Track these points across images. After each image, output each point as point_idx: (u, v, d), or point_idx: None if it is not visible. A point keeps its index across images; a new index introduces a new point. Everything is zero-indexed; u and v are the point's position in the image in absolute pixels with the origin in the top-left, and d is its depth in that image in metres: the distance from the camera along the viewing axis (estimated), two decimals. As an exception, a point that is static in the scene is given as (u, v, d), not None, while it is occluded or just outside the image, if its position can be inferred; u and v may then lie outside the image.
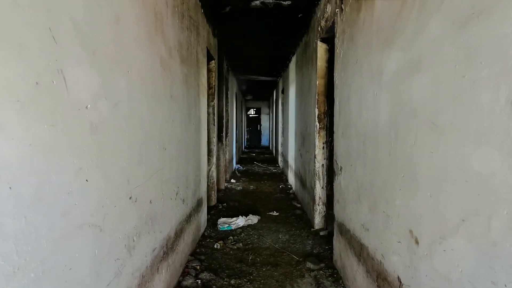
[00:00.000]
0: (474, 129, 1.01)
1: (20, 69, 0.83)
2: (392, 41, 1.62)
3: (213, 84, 4.48)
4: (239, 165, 9.22)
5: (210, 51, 4.01)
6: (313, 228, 3.72)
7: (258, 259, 2.89)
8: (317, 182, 3.63)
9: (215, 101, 4.56)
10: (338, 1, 2.65)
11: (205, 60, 3.65)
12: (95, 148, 1.21)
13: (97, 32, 1.22)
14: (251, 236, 3.48)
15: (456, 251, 1.09)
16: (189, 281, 2.44)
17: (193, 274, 2.55)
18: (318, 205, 3.66)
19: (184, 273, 2.55)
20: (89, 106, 1.17)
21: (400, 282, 1.50)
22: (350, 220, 2.32)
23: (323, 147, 3.59)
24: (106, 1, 1.30)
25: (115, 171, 1.38)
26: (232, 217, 3.99)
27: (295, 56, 5.66)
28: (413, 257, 1.38)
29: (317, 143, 3.60)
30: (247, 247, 3.17)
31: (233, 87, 8.02)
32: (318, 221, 3.69)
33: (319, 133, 3.59)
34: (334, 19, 2.81)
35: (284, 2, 3.58)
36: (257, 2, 3.62)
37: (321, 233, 3.53)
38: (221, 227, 3.69)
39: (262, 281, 2.49)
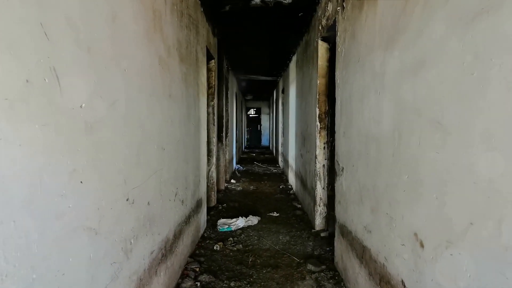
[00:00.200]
0: (483, 128, 0.97)
1: (8, 65, 0.80)
2: (395, 39, 1.58)
3: (213, 83, 4.44)
4: (239, 165, 9.19)
5: (209, 50, 3.98)
6: (314, 229, 3.68)
7: (258, 261, 2.85)
8: (318, 182, 3.59)
9: (215, 100, 4.52)
10: (339, -1, 2.62)
11: (204, 59, 3.62)
12: (91, 148, 1.18)
13: (92, 29, 1.18)
14: (251, 237, 3.45)
15: (464, 255, 1.05)
16: (188, 283, 2.40)
17: (192, 276, 2.51)
18: (319, 206, 3.62)
19: (183, 275, 2.51)
20: (83, 105, 1.13)
21: (404, 286, 1.46)
22: (352, 221, 2.28)
23: (324, 147, 3.55)
24: (102, -3, 1.26)
25: (111, 172, 1.35)
26: (232, 218, 3.95)
27: (295, 55, 5.63)
28: (417, 261, 1.35)
29: (318, 143, 3.57)
30: (247, 248, 3.14)
31: (233, 87, 7.99)
32: (319, 222, 3.65)
33: (320, 133, 3.55)
34: (335, 18, 2.77)
35: (285, 1, 3.54)
36: (257, 1, 3.58)
37: (322, 234, 3.49)
38: (220, 228, 3.66)
39: (262, 283, 2.45)
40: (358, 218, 2.14)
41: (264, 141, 17.93)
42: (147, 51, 1.78)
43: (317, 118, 3.55)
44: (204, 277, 2.49)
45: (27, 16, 0.85)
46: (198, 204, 3.30)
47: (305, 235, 3.53)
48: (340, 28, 2.62)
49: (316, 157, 3.60)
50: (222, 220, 3.85)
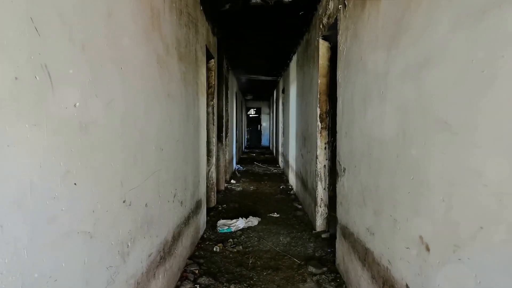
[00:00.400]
0: (493, 128, 0.93)
1: (-5, 62, 0.75)
2: (399, 37, 1.54)
3: (213, 83, 4.40)
4: (239, 166, 9.15)
5: (209, 49, 3.93)
6: (315, 230, 3.63)
7: (259, 263, 2.81)
8: (319, 183, 3.55)
9: (215, 100, 4.48)
10: (341, -3, 2.58)
11: (204, 58, 3.58)
12: (85, 149, 1.14)
13: (86, 26, 1.14)
14: (251, 238, 3.40)
15: (473, 260, 1.01)
16: (187, 286, 2.36)
17: (192, 279, 2.47)
18: (320, 206, 3.58)
19: (182, 278, 2.47)
20: (78, 104, 1.09)
21: (409, 290, 1.42)
22: (354, 223, 2.24)
23: (325, 148, 3.51)
24: (97, -8, 1.22)
25: (107, 173, 1.30)
26: (232, 218, 3.91)
27: (296, 55, 5.58)
28: (423, 265, 1.30)
29: (318, 143, 3.52)
30: (247, 250, 3.09)
31: (233, 87, 7.95)
32: (319, 223, 3.61)
33: (321, 133, 3.51)
34: (336, 16, 2.73)
35: (285, 0, 3.50)
36: (258, 0, 3.54)
37: (323, 236, 3.45)
38: (220, 229, 3.61)
39: (262, 286, 2.41)
40: (360, 219, 2.10)
41: (264, 141, 17.89)
42: (145, 49, 1.74)
43: (318, 118, 3.51)
44: (204, 280, 2.45)
45: (15, 10, 0.81)
46: (198, 205, 3.26)
47: (306, 236, 3.49)
48: (341, 27, 2.58)
49: (317, 157, 3.56)
50: (222, 221, 3.81)
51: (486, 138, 0.95)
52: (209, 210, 4.25)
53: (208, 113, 4.29)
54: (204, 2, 3.46)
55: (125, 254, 1.48)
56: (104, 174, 1.28)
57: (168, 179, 2.18)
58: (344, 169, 2.47)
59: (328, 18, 3.06)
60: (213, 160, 4.54)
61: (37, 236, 0.89)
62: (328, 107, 3.48)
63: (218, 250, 3.05)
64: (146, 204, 1.75)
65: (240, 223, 3.74)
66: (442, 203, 1.18)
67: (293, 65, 5.97)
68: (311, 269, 2.65)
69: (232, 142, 7.79)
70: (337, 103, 2.66)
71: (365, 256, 2.01)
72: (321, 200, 3.57)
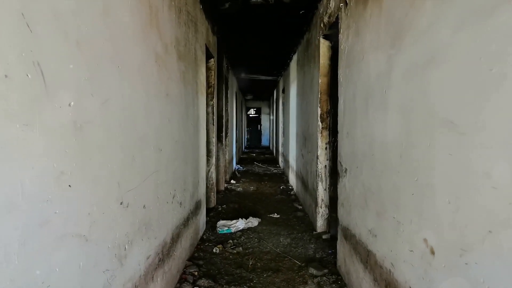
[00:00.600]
0: (503, 128, 0.89)
1: (-17, 59, 0.72)
2: (403, 35, 1.50)
3: (213, 83, 4.36)
4: (239, 166, 9.11)
5: (209, 48, 3.90)
6: (315, 231, 3.60)
7: (259, 264, 2.78)
8: (320, 183, 3.51)
9: (215, 100, 4.45)
10: (342, -5, 2.54)
11: (203, 57, 3.54)
12: (80, 149, 1.10)
13: (82, 22, 1.11)
14: (251, 239, 3.37)
15: (481, 265, 0.97)
16: (186, 288, 2.32)
17: (191, 281, 2.44)
18: (321, 207, 3.55)
19: (182, 280, 2.44)
20: (72, 103, 1.05)
21: (413, 294, 1.38)
22: (355, 224, 2.20)
23: (326, 148, 3.48)
24: (92, -12, 1.18)
25: (103, 174, 1.27)
26: (231, 219, 3.87)
27: (296, 54, 5.55)
28: (428, 269, 1.27)
29: (319, 143, 3.49)
30: (247, 251, 3.06)
31: (233, 87, 7.91)
32: (320, 224, 3.58)
33: (321, 133, 3.47)
34: (338, 14, 2.70)
35: (286, -2, 3.47)
36: (258, -2, 3.50)
37: (324, 237, 3.41)
38: (220, 230, 3.58)
39: (263, 288, 2.38)
40: (362, 221, 2.06)
41: (264, 141, 17.85)
42: (143, 48, 1.70)
43: (318, 117, 3.47)
44: (203, 282, 2.42)
45: (4, 4, 0.78)
46: (197, 206, 3.22)
47: (306, 237, 3.45)
48: (343, 25, 2.54)
49: (317, 158, 3.52)
50: (221, 222, 3.78)
51: (495, 139, 0.92)
52: (208, 210, 4.22)
53: (207, 113, 4.25)
54: (204, 1, 3.42)
55: (122, 257, 1.44)
56: (100, 175, 1.25)
57: (167, 180, 2.15)
58: (346, 169, 2.43)
59: (329, 17, 3.02)
60: (213, 160, 4.50)
61: (28, 240, 0.85)
62: (329, 107, 3.45)
63: (217, 251, 3.02)
64: (144, 206, 1.71)
65: (240, 224, 3.71)
66: (448, 205, 1.14)
67: (293, 64, 5.94)
68: (312, 271, 2.61)
69: (232, 142, 7.75)
70: (338, 102, 2.63)
71: (367, 258, 1.97)
72: (322, 200, 3.54)
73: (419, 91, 1.35)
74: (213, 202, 4.56)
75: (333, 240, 3.25)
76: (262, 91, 12.38)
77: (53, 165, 0.96)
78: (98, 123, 1.23)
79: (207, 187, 4.29)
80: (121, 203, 1.43)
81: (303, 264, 2.77)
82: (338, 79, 2.64)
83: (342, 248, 2.51)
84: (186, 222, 2.70)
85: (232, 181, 6.56)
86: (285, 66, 7.01)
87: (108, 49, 1.31)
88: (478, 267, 0.98)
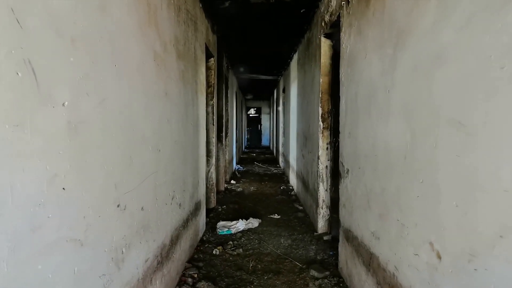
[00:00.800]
0: (515, 129, 0.86)
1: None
2: (407, 33, 1.46)
3: (212, 82, 4.32)
4: (239, 166, 9.07)
5: (209, 48, 3.86)
6: (316, 232, 3.56)
7: (259, 266, 2.74)
8: (321, 184, 3.48)
9: (214, 100, 4.41)
10: (344, -7, 2.50)
11: (203, 57, 3.50)
12: (75, 151, 1.06)
13: (76, 19, 1.07)
14: (252, 241, 3.33)
15: (491, 271, 0.93)
16: (185, 291, 2.29)
17: (190, 283, 2.40)
18: (322, 208, 3.51)
19: (181, 282, 2.40)
20: (66, 103, 1.02)
21: (418, 299, 1.35)
22: (357, 226, 2.16)
23: (327, 148, 3.44)
24: (88, -16, 1.14)
25: (99, 176, 1.23)
26: (232, 220, 3.84)
27: (297, 53, 5.51)
28: (434, 274, 1.23)
29: (320, 143, 3.45)
30: (247, 253, 3.02)
31: (233, 86, 7.87)
32: (321, 225, 3.54)
33: (322, 133, 3.43)
34: (339, 13, 2.66)
35: (286, -3, 3.43)
36: (258, -3, 3.46)
37: (325, 238, 3.37)
38: (220, 231, 3.54)
39: (263, 291, 2.34)
40: (365, 223, 2.02)
41: (265, 141, 17.81)
42: (141, 46, 1.66)
43: (319, 117, 3.44)
44: (203, 284, 2.38)
45: (-7, -1, 0.74)
46: (197, 207, 3.18)
47: (307, 238, 3.42)
48: (344, 24, 2.50)
49: (318, 158, 3.49)
50: (221, 223, 3.74)
51: (506, 140, 0.88)
52: (208, 211, 4.18)
53: (207, 113, 4.21)
54: (204, 0, 3.38)
55: (119, 261, 1.41)
56: (96, 177, 1.21)
57: (166, 181, 2.11)
58: (348, 170, 2.39)
59: (330, 16, 2.99)
60: (213, 160, 4.46)
61: (19, 246, 0.81)
62: (330, 107, 3.41)
63: (217, 253, 2.98)
64: (142, 208, 1.68)
65: (240, 224, 3.67)
66: (455, 208, 1.11)
67: (293, 64, 5.90)
68: (313, 273, 2.58)
69: (232, 142, 7.71)
70: (340, 102, 2.59)
71: (369, 261, 1.94)
72: (323, 201, 3.50)
73: (425, 90, 1.31)
74: (213, 203, 4.53)
75: (334, 241, 3.21)
76: (262, 90, 12.34)
77: (46, 167, 0.92)
78: (94, 123, 1.19)
79: (207, 187, 4.25)
80: (118, 206, 1.39)
81: (304, 266, 2.73)
82: (340, 79, 2.60)
83: (344, 250, 2.47)
84: (185, 224, 2.66)
85: (232, 181, 6.53)
86: (286, 65, 6.98)
87: (105, 47, 1.27)
88: (488, 274, 0.94)
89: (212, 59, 4.29)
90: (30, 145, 0.86)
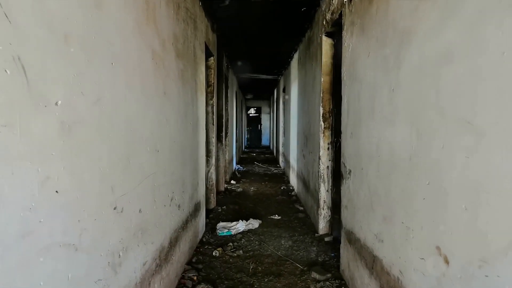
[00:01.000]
0: (530, 130, 0.81)
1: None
2: (413, 30, 1.42)
3: (212, 81, 4.28)
4: (239, 166, 9.03)
5: (208, 47, 3.82)
6: (317, 233, 3.52)
7: (260, 268, 2.70)
8: (322, 185, 3.43)
9: (214, 99, 4.37)
10: (346, -9, 2.46)
11: (203, 56, 3.46)
12: (68, 152, 1.02)
13: (70, 15, 1.02)
14: (252, 242, 3.29)
15: (504, 279, 0.89)
16: (185, 294, 2.25)
17: (190, 286, 2.36)
18: (323, 209, 3.47)
19: (180, 285, 2.36)
20: (59, 102, 0.97)
21: (424, 305, 1.30)
22: (360, 228, 2.12)
23: (328, 148, 3.40)
24: (82, -21, 1.10)
25: (95, 178, 1.19)
26: (232, 221, 3.79)
27: (297, 53, 5.47)
28: (441, 279, 1.19)
29: (321, 143, 3.41)
30: (247, 254, 2.98)
31: (233, 86, 7.83)
32: (322, 226, 3.50)
33: (324, 133, 3.39)
34: (341, 11, 2.61)
35: (287, -5, 3.38)
36: (258, -5, 3.42)
37: (326, 239, 3.33)
38: (220, 232, 3.50)
39: (264, 293, 2.30)
40: (367, 225, 1.98)
41: (265, 141, 17.76)
42: (139, 44, 1.62)
43: (321, 117, 3.39)
44: (202, 287, 2.34)
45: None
46: (197, 208, 3.14)
47: (308, 239, 3.38)
48: (346, 22, 2.46)
49: (319, 158, 3.44)
50: (221, 224, 3.70)
51: (521, 141, 0.84)
52: (208, 212, 4.14)
53: (207, 113, 4.17)
54: (203, -2, 3.34)
55: (116, 265, 1.36)
56: (92, 179, 1.17)
57: (164, 182, 2.07)
58: (350, 171, 2.35)
59: (332, 14, 2.94)
60: (213, 160, 4.42)
61: (8, 253, 0.77)
62: (331, 106, 3.37)
63: (217, 254, 2.94)
64: (140, 210, 1.63)
65: (240, 225, 3.63)
66: (464, 212, 1.06)
67: (294, 63, 5.85)
68: (315, 275, 2.54)
69: (232, 142, 7.67)
70: (342, 102, 2.55)
71: (372, 264, 1.89)
72: (324, 202, 3.46)
73: (431, 89, 1.27)
74: (212, 203, 4.48)
75: (335, 242, 3.17)
76: (263, 90, 12.29)
77: (37, 169, 0.88)
78: (89, 124, 1.15)
79: (206, 188, 4.21)
80: (115, 208, 1.35)
81: (305, 268, 2.69)
82: (342, 78, 2.55)
83: (346, 252, 2.43)
84: (185, 225, 2.62)
85: (232, 182, 6.48)
86: (286, 65, 6.93)
87: (101, 44, 1.22)
88: (500, 281, 0.90)
89: (212, 58, 4.24)
90: (20, 146, 0.81)
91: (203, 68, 3.44)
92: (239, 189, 5.86)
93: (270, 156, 12.16)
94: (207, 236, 3.41)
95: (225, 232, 3.50)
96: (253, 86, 11.09)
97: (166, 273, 2.08)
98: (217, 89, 4.81)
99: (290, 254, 3.01)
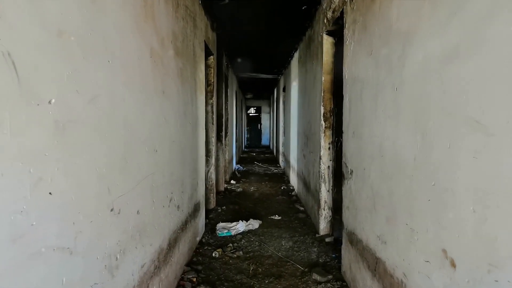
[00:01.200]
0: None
1: None
2: (419, 27, 1.38)
3: (212, 81, 4.24)
4: (239, 165, 9.00)
5: (208, 45, 3.78)
6: (318, 233, 3.49)
7: (260, 270, 2.66)
8: (323, 185, 3.40)
9: (214, 98, 4.33)
10: (348, -12, 2.42)
11: (203, 54, 3.42)
12: (62, 152, 0.98)
13: (64, 9, 0.99)
14: (252, 243, 3.26)
15: (515, 284, 0.86)
16: (184, 296, 2.21)
17: (189, 288, 2.32)
18: (324, 209, 3.43)
19: (179, 286, 2.33)
20: (53, 100, 0.94)
21: (430, 309, 1.27)
22: (362, 229, 2.09)
23: (329, 148, 3.36)
24: (77, -27, 1.06)
25: (91, 179, 1.15)
26: (231, 221, 3.76)
27: (297, 51, 5.43)
28: (448, 283, 1.16)
29: (322, 143, 3.37)
30: (247, 255, 2.95)
31: (233, 85, 7.79)
32: (323, 226, 3.46)
33: (324, 132, 3.36)
34: (343, 9, 2.58)
35: (288, -7, 3.35)
36: (259, -7, 3.38)
37: (327, 240, 3.30)
38: (220, 232, 3.47)
39: (264, 295, 2.27)
40: (370, 226, 1.95)
41: (265, 141, 17.72)
42: (137, 41, 1.58)
43: (321, 117, 3.36)
44: (202, 289, 2.31)
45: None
46: (196, 208, 3.11)
47: (309, 240, 3.34)
48: (348, 20, 2.42)
49: (320, 158, 3.41)
50: (221, 224, 3.66)
51: (534, 141, 0.81)
52: (208, 212, 4.10)
53: (207, 112, 4.13)
54: (203, -4, 3.30)
55: (113, 268, 1.33)
56: (88, 180, 1.13)
57: (163, 182, 2.03)
58: (352, 171, 2.32)
59: (333, 12, 2.90)
60: (212, 160, 4.38)
61: (-3, 258, 0.74)
62: (332, 106, 3.33)
63: (217, 255, 2.90)
64: (138, 211, 1.60)
65: (240, 226, 3.59)
66: (472, 214, 1.03)
67: (294, 62, 5.81)
68: (316, 276, 2.50)
69: (232, 141, 7.63)
70: (344, 101, 2.51)
71: (375, 266, 1.86)
72: (325, 202, 3.42)
73: (438, 87, 1.23)
74: (212, 204, 4.45)
75: (336, 243, 3.14)
76: (263, 89, 12.26)
77: (29, 170, 0.84)
78: (85, 123, 1.11)
79: (206, 188, 4.18)
80: (111, 210, 1.31)
81: (306, 270, 2.66)
82: (343, 77, 2.52)
83: (348, 254, 2.40)
84: (184, 226, 2.59)
85: (232, 182, 6.45)
86: (286, 64, 6.89)
87: (97, 41, 1.19)
88: (511, 287, 0.87)
89: (211, 57, 4.20)
90: (11, 146, 0.78)
91: (202, 67, 3.40)
92: (239, 189, 5.83)
93: (270, 156, 12.12)
94: (206, 237, 3.38)
95: (225, 232, 3.46)
96: (253, 86, 11.05)
97: (165, 275, 2.05)
98: (216, 88, 4.77)
99: (290, 255, 2.97)
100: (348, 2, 2.43)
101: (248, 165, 9.35)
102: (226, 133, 5.90)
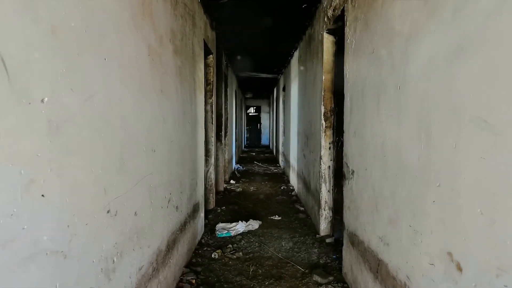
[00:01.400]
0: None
1: None
2: (423, 24, 1.35)
3: (211, 80, 4.21)
4: (238, 165, 8.96)
5: (207, 44, 3.74)
6: (319, 234, 3.46)
7: (260, 271, 2.63)
8: (323, 185, 3.37)
9: (213, 98, 4.29)
10: (349, -14, 2.39)
11: (202, 53, 3.38)
12: (57, 152, 0.95)
13: (58, 5, 0.95)
14: (252, 243, 3.22)
15: (526, 289, 0.83)
16: (183, 298, 2.18)
17: (188, 290, 2.29)
18: (324, 210, 3.40)
19: (178, 288, 2.30)
20: (46, 99, 0.90)
21: (435, 313, 1.24)
22: (364, 230, 2.06)
23: (330, 148, 3.33)
24: (72, -33, 1.03)
25: (86, 180, 1.12)
26: (231, 222, 3.73)
27: (297, 51, 5.39)
28: (453, 287, 1.12)
29: (323, 143, 3.34)
30: (247, 256, 2.91)
31: (232, 84, 7.75)
32: (324, 227, 3.43)
33: (325, 132, 3.32)
34: (344, 7, 2.54)
35: (288, -9, 3.31)
36: (258, -9, 3.35)
37: (327, 240, 3.27)
38: (219, 233, 3.43)
39: (264, 297, 2.24)
40: (372, 227, 1.91)
41: (264, 140, 17.69)
42: (135, 39, 1.55)
43: (322, 116, 3.32)
44: (201, 291, 2.27)
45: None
46: (195, 209, 3.07)
47: (309, 241, 3.31)
48: (349, 18, 2.39)
49: (321, 158, 3.37)
50: (221, 225, 3.63)
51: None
52: (207, 212, 4.07)
53: (206, 111, 4.10)
54: (202, -6, 3.27)
55: (110, 271, 1.30)
56: (83, 181, 1.10)
57: (161, 183, 2.00)
58: (353, 171, 2.28)
59: (334, 10, 2.87)
60: (212, 160, 4.35)
61: (-14, 264, 0.70)
62: (333, 105, 3.30)
63: (216, 256, 2.87)
64: (135, 213, 1.56)
65: (240, 226, 3.56)
66: (480, 216, 1.00)
67: (294, 61, 5.78)
68: (316, 278, 2.47)
69: (232, 141, 7.60)
70: (345, 100, 2.48)
71: (377, 267, 1.83)
72: (325, 203, 3.39)
73: (442, 86, 1.20)
74: (212, 204, 4.42)
75: (337, 244, 3.11)
76: (262, 89, 12.22)
77: (20, 171, 0.81)
78: (80, 122, 1.08)
79: (205, 188, 4.14)
80: (108, 212, 1.28)
81: (306, 271, 2.63)
82: (344, 75, 2.48)
83: (349, 255, 2.37)
84: (183, 227, 2.55)
85: (232, 181, 6.41)
86: (286, 63, 6.86)
87: (92, 38, 1.15)
88: (522, 292, 0.84)
89: (211, 56, 4.17)
90: (0, 147, 0.74)
91: (202, 66, 3.37)
92: (239, 189, 5.79)
93: (269, 156, 12.09)
94: (206, 238, 3.35)
95: (224, 233, 3.43)
96: (252, 85, 11.01)
97: (163, 277, 2.01)
98: (216, 88, 4.73)
99: (291, 256, 2.94)
100: (349, 0, 2.40)
101: (247, 164, 9.32)
102: (225, 132, 5.87)
